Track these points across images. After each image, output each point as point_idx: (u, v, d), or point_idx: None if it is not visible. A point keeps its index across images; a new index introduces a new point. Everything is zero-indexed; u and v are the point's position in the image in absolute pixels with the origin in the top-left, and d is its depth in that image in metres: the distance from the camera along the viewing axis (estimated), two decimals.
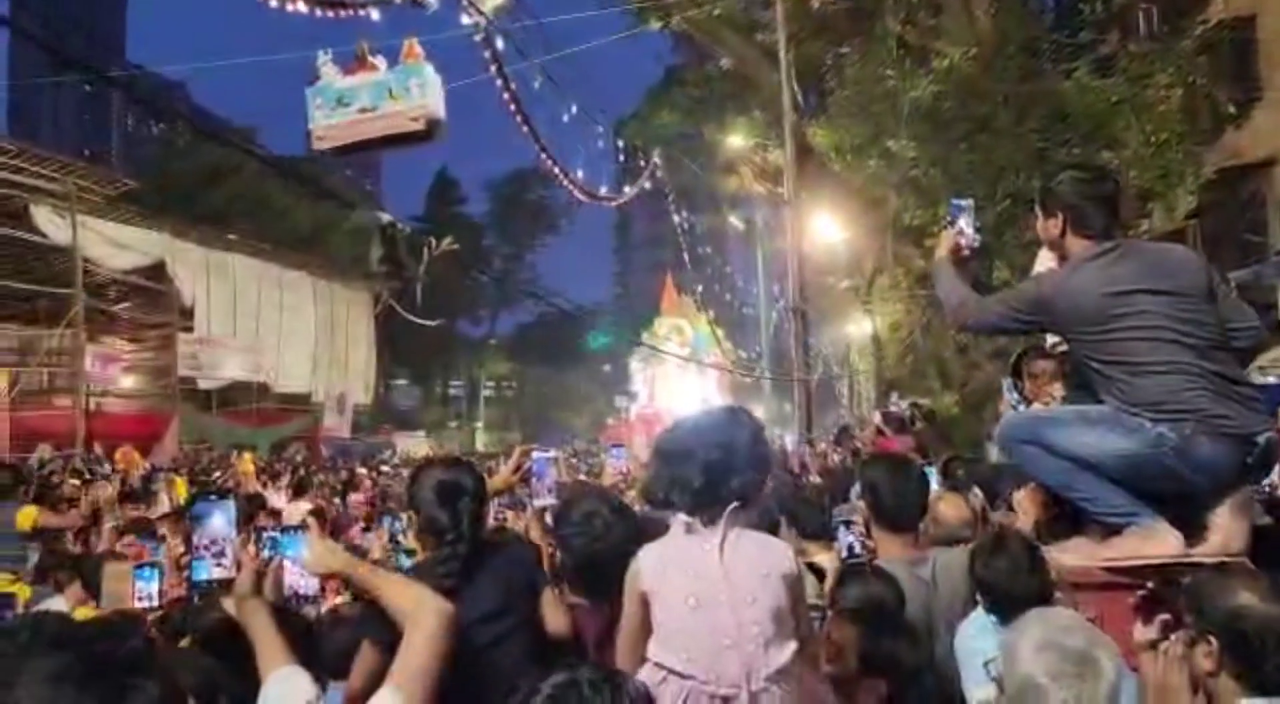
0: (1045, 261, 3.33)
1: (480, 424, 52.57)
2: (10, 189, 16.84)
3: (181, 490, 10.69)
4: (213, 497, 2.40)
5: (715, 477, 2.17)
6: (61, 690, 1.09)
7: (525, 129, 12.21)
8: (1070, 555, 2.95)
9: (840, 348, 27.46)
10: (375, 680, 2.08)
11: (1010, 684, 1.94)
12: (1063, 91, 13.21)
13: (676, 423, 2.46)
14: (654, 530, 2.38)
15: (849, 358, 25.56)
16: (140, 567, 3.43)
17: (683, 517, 2.20)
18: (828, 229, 18.48)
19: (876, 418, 12.43)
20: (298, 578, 2.46)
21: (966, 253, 3.32)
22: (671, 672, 2.01)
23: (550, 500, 3.30)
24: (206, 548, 2.26)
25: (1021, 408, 4.22)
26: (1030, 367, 4.68)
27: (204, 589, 2.29)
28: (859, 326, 22.48)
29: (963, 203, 3.41)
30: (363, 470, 16.74)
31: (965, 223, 3.32)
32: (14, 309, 19.90)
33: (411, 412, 49.93)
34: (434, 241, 6.59)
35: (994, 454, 9.27)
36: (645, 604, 2.15)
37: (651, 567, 2.17)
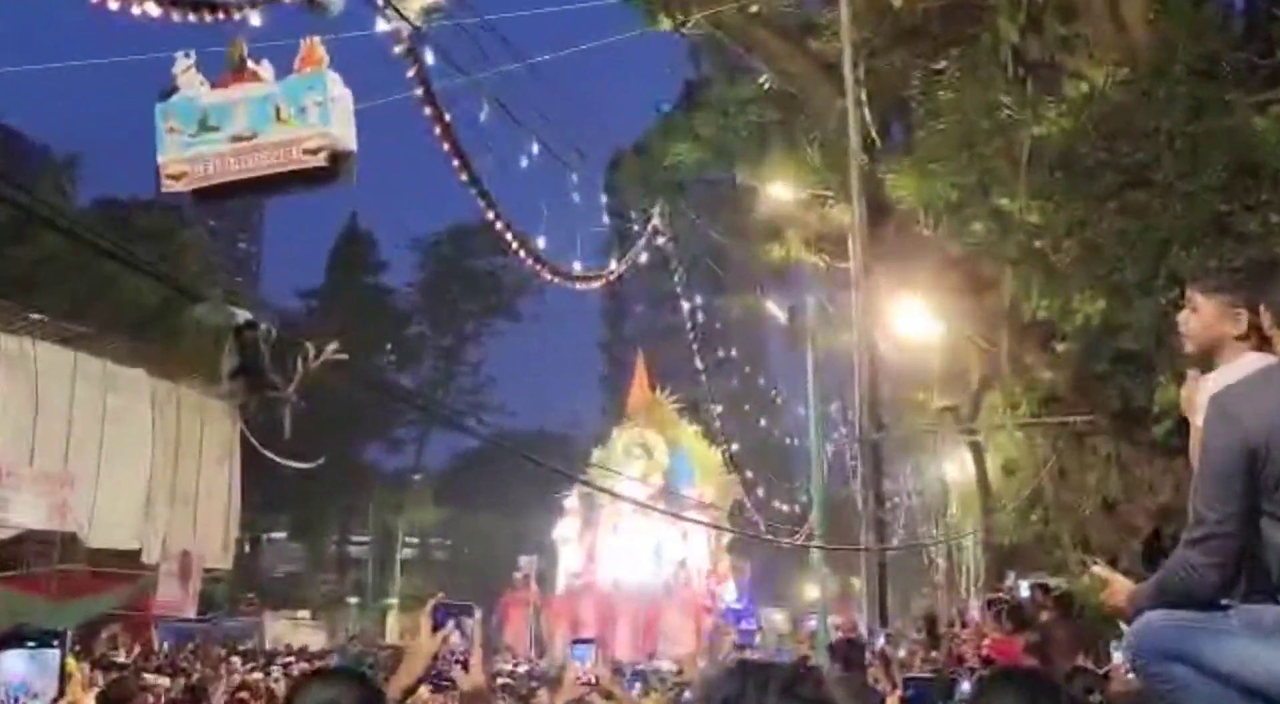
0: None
1: (395, 600, 51.87)
2: None
3: None
4: None
5: None
6: None
7: (462, 175, 12.37)
8: None
9: (933, 496, 27.28)
10: None
11: None
12: (1254, 132, 13.36)
13: (738, 664, 2.68)
14: None
15: (946, 512, 25.37)
16: None
17: None
18: (913, 322, 18.53)
19: (975, 609, 12.03)
20: None
21: None
22: None
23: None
24: None
25: None
26: None
27: None
28: (961, 466, 22.30)
29: None
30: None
31: None
32: None
33: (292, 580, 49.53)
34: (311, 350, 6.61)
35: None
36: None
37: None
